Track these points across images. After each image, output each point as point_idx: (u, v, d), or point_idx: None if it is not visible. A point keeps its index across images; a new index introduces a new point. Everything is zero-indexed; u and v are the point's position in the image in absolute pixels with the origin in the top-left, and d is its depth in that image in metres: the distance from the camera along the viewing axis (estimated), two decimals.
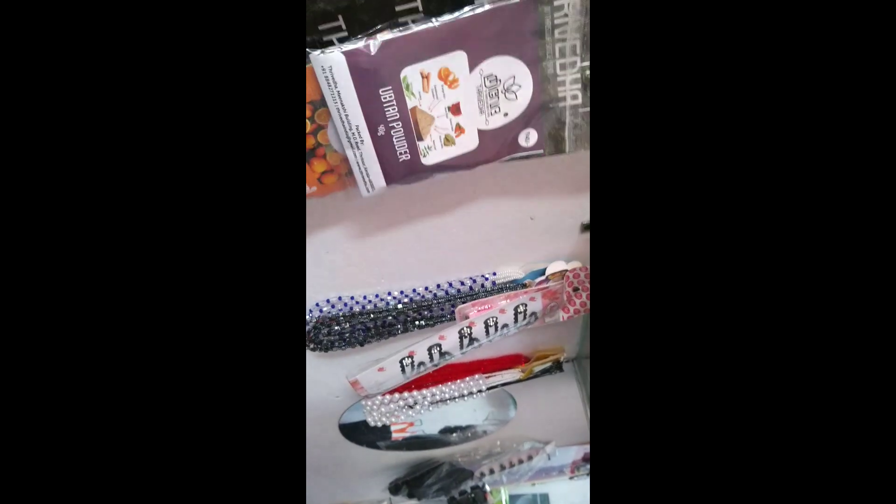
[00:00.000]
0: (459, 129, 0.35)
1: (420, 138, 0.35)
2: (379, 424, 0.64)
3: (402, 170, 0.36)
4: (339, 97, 0.32)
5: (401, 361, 0.53)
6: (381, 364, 0.53)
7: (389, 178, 0.36)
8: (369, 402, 0.61)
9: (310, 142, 0.35)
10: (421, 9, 0.32)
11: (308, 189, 0.37)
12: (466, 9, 0.31)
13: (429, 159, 0.36)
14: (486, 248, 0.50)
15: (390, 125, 0.34)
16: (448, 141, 0.35)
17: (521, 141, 0.36)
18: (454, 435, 0.77)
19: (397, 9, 0.32)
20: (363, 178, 0.36)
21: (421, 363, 0.54)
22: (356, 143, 0.34)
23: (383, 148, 0.35)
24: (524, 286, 0.51)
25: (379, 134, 0.34)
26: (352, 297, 0.51)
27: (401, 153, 0.35)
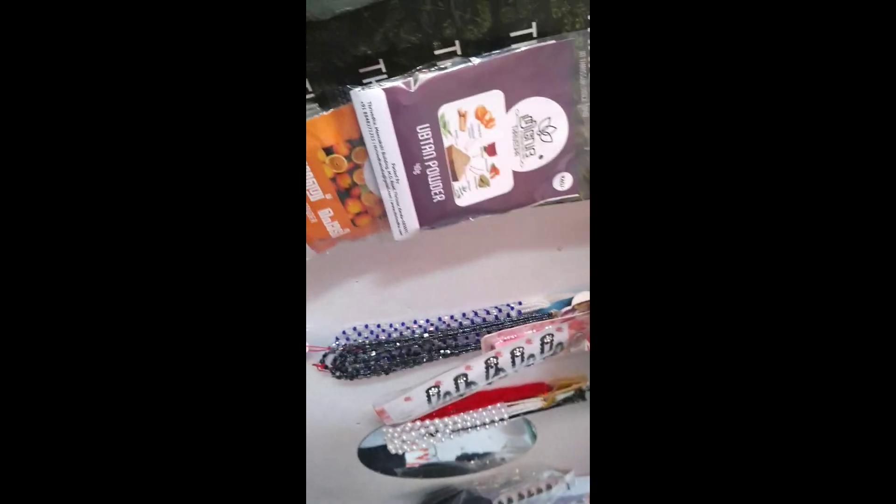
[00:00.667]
0: (494, 169, 0.35)
1: (455, 178, 0.35)
2: (400, 452, 0.63)
3: (437, 211, 0.36)
4: (378, 134, 0.32)
5: (427, 391, 0.52)
6: (408, 394, 0.52)
7: (423, 221, 0.36)
8: (391, 429, 0.60)
9: (345, 181, 0.35)
10: (460, 52, 0.32)
11: (341, 230, 0.37)
12: (504, 49, 0.31)
13: (463, 200, 0.36)
14: (512, 277, 0.50)
15: (426, 164, 0.34)
16: (483, 182, 0.35)
17: (556, 184, 0.36)
18: (472, 462, 0.76)
19: (436, 52, 0.32)
20: (397, 220, 0.36)
21: (447, 393, 0.53)
22: (392, 181, 0.34)
23: (418, 188, 0.35)
24: (550, 316, 0.51)
25: (415, 172, 0.34)
26: (378, 326, 0.51)
27: (435, 193, 0.35)
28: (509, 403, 0.62)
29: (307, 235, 0.37)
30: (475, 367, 0.50)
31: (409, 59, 0.32)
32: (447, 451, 0.73)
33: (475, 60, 0.31)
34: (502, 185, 0.36)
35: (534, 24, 0.31)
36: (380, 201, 0.35)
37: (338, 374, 0.51)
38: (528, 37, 0.32)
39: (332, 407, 0.59)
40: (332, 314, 0.49)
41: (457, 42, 0.32)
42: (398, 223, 0.36)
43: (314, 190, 0.35)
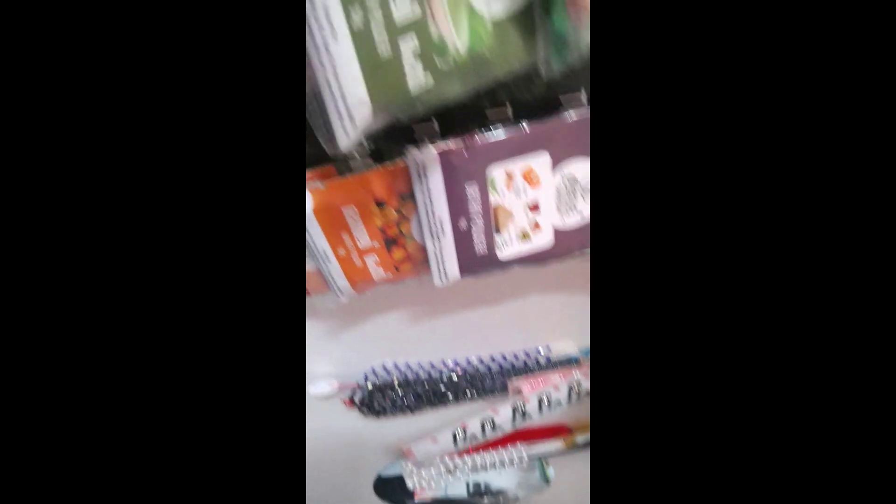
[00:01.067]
0: (537, 225, 0.36)
1: (498, 232, 0.36)
2: (418, 487, 0.63)
3: (478, 263, 0.37)
4: (428, 191, 0.33)
5: (454, 433, 0.53)
6: (435, 435, 0.53)
7: (464, 271, 0.37)
8: (411, 465, 0.61)
9: (393, 231, 0.36)
10: (511, 113, 0.34)
11: (384, 274, 0.38)
12: (554, 116, 0.33)
13: (504, 253, 0.37)
14: (541, 321, 0.50)
15: (472, 219, 0.35)
16: (524, 236, 0.36)
17: None
18: (485, 498, 0.76)
19: (488, 112, 0.34)
20: (439, 268, 0.37)
21: (473, 435, 0.54)
22: (437, 234, 0.35)
23: (462, 240, 0.36)
24: (578, 362, 0.51)
25: (460, 226, 0.35)
26: (407, 364, 0.52)
27: (478, 246, 0.36)
28: (529, 444, 0.62)
29: (351, 278, 0.38)
30: (502, 412, 0.51)
31: (461, 118, 0.33)
32: (459, 484, 0.73)
33: (526, 126, 0.32)
34: (543, 239, 0.37)
35: (582, 88, 0.33)
36: (423, 249, 0.37)
37: (365, 410, 0.52)
38: (577, 99, 0.33)
39: (352, 441, 0.60)
40: (362, 350, 0.51)
41: (508, 104, 0.33)
42: (440, 271, 0.37)
43: (362, 237, 0.36)
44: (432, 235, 0.35)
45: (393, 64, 0.26)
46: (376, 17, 0.24)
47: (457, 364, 0.51)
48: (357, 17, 0.24)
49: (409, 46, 0.25)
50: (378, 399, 0.51)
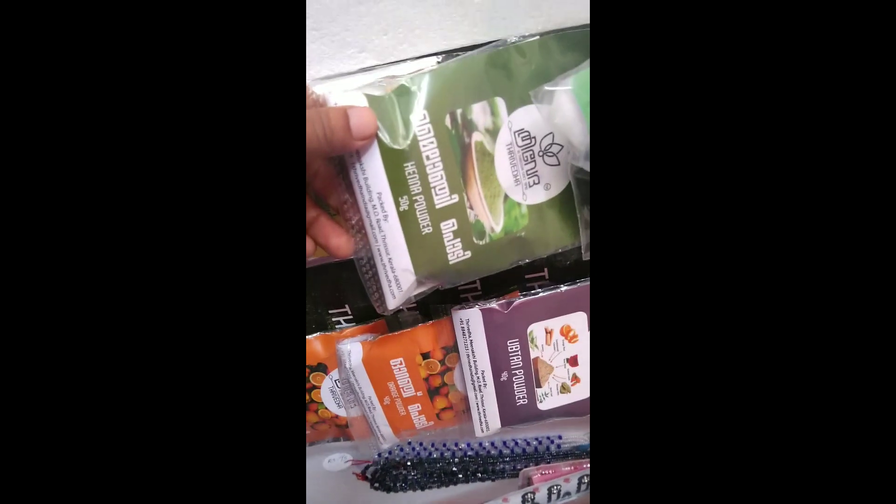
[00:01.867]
0: (575, 378, 0.37)
1: (538, 385, 0.37)
2: None
3: (519, 414, 0.38)
4: (471, 345, 0.36)
5: None
6: None
7: (506, 421, 0.38)
8: None
9: (436, 381, 0.38)
10: (547, 277, 0.37)
11: (426, 423, 0.39)
12: (587, 278, 0.35)
13: (545, 405, 0.38)
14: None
15: (513, 372, 0.37)
16: (564, 389, 0.38)
17: None
18: None
19: (526, 276, 0.37)
20: (480, 419, 0.38)
21: None
22: (479, 385, 0.37)
23: (503, 392, 0.37)
24: (588, 453, 0.50)
25: (502, 379, 0.37)
26: (420, 443, 0.51)
27: (519, 398, 0.37)
28: None
29: (394, 426, 0.40)
30: (512, 501, 0.49)
31: (502, 279, 0.37)
32: None
33: (563, 288, 0.35)
34: (582, 391, 0.38)
35: None
36: (465, 398, 0.38)
37: (376, 486, 0.51)
38: None
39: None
40: None
41: (545, 269, 0.36)
42: (481, 422, 0.38)
43: (407, 388, 0.38)
44: (475, 387, 0.37)
45: (434, 240, 0.29)
46: (419, 202, 0.28)
47: (469, 445, 0.50)
48: (403, 202, 0.28)
49: (448, 226, 0.29)
50: (390, 476, 0.50)
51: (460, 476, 0.51)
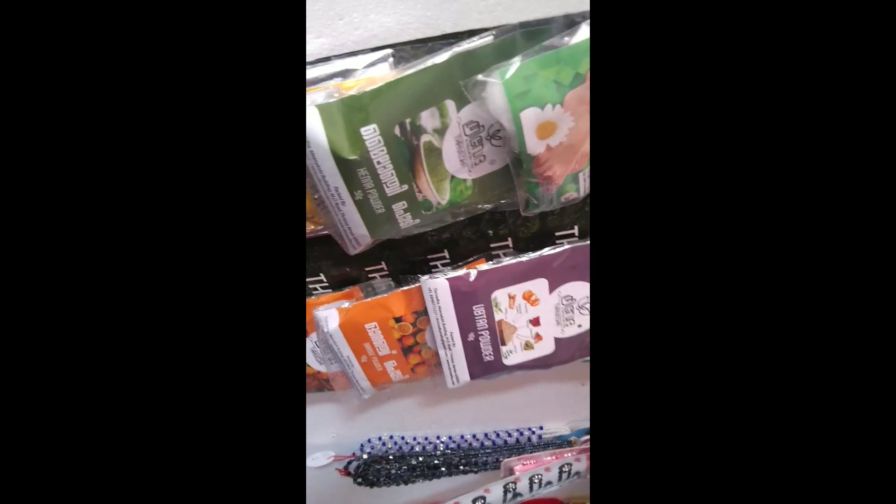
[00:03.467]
0: (538, 336, 0.40)
1: (503, 343, 0.40)
2: None
3: (486, 368, 0.41)
4: (440, 311, 0.38)
5: None
6: None
7: (474, 375, 0.41)
8: None
9: (409, 341, 0.41)
10: (511, 246, 0.38)
11: (401, 376, 0.43)
12: (549, 248, 0.37)
13: (510, 360, 0.41)
14: (535, 404, 0.53)
15: (479, 333, 0.39)
16: (528, 346, 0.41)
17: None
18: None
19: (491, 245, 0.38)
20: (451, 373, 0.41)
21: None
22: (449, 345, 0.40)
23: (471, 350, 0.40)
24: (570, 443, 0.54)
25: (469, 339, 0.40)
26: (402, 437, 0.55)
27: (486, 355, 0.41)
28: None
29: (372, 380, 0.43)
30: (493, 491, 0.54)
31: (469, 249, 0.38)
32: None
33: (524, 257, 0.37)
34: (545, 348, 0.41)
35: (576, 227, 0.37)
36: (436, 355, 0.41)
37: (359, 480, 0.55)
38: (571, 235, 0.38)
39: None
40: (358, 421, 0.54)
41: (510, 238, 0.38)
42: (451, 375, 0.42)
43: (382, 347, 0.41)
44: (444, 346, 0.40)
45: (387, 216, 0.32)
46: (372, 193, 0.31)
47: (451, 439, 0.54)
48: (358, 194, 0.31)
49: (399, 206, 0.32)
50: (373, 471, 0.54)
51: (443, 469, 0.54)
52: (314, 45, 0.30)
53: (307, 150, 0.28)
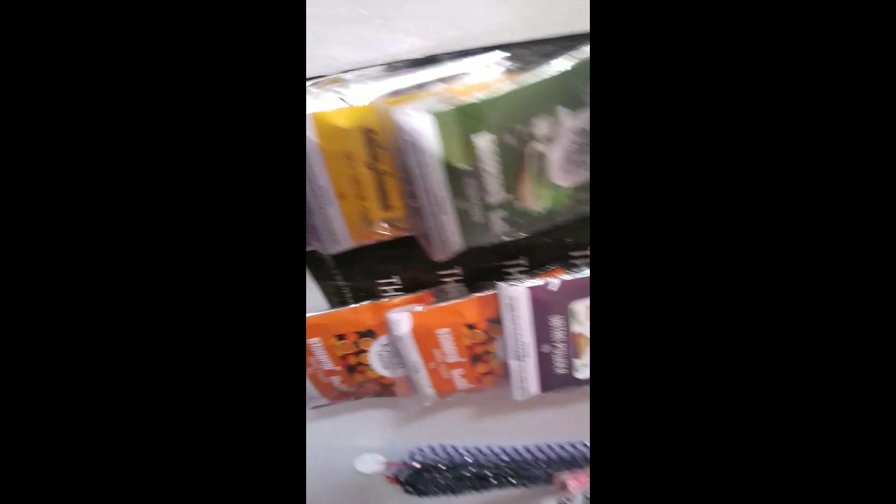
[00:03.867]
0: None
1: (577, 357, 0.39)
2: None
3: (557, 381, 0.40)
4: (516, 320, 0.37)
5: None
6: None
7: (545, 387, 0.40)
8: None
9: (480, 349, 0.40)
10: (590, 256, 0.37)
11: (467, 385, 0.42)
12: None
13: (581, 374, 0.40)
14: (587, 416, 0.51)
15: (554, 345, 0.38)
16: None
17: None
18: None
19: (571, 254, 0.37)
20: (520, 384, 0.40)
21: None
22: (521, 356, 0.39)
23: (544, 362, 0.39)
24: None
25: (543, 351, 0.39)
26: (454, 447, 0.53)
27: (558, 368, 0.39)
28: None
29: (437, 388, 0.42)
30: None
31: (548, 257, 0.37)
32: None
33: None
34: None
35: None
36: (504, 365, 0.40)
37: (409, 489, 0.53)
38: None
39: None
40: (407, 429, 0.52)
41: (589, 247, 0.37)
42: (520, 386, 0.41)
43: (452, 354, 0.40)
44: (517, 356, 0.39)
45: (484, 224, 0.32)
46: (475, 202, 0.30)
47: (503, 450, 0.53)
48: (461, 202, 0.30)
49: (497, 215, 0.31)
50: (423, 480, 0.53)
51: (493, 481, 0.53)
52: (406, 45, 0.29)
53: (413, 158, 0.28)
